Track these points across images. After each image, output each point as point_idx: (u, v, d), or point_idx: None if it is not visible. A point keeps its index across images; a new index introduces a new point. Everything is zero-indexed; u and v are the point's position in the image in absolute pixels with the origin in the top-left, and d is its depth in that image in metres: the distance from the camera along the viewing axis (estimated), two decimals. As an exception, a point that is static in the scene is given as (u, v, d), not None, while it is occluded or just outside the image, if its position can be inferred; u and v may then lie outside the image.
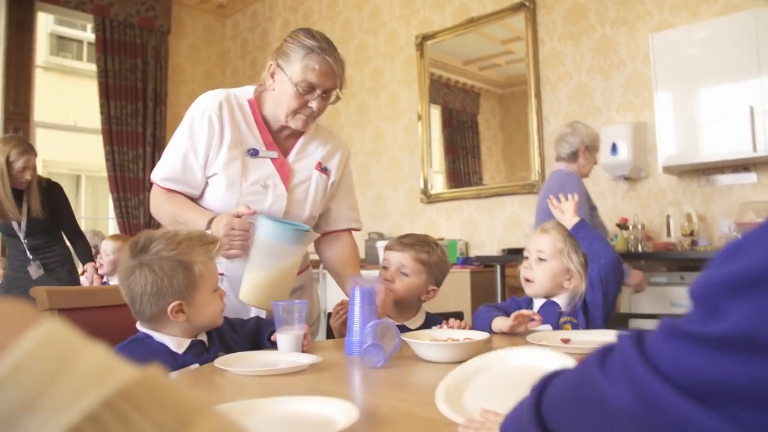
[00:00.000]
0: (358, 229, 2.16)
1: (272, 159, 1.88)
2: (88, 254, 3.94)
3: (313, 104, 1.79)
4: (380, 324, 1.43)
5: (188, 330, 1.48)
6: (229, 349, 1.56)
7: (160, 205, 1.88)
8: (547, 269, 1.93)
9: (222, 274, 1.81)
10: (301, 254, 1.78)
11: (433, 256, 2.00)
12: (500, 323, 1.79)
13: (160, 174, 1.87)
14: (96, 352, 0.31)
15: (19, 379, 0.28)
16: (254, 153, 1.85)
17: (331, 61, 1.77)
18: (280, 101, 1.82)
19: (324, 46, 1.78)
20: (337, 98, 1.87)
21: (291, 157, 1.92)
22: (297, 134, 1.95)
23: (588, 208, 3.29)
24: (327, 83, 1.79)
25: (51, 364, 0.29)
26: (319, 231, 2.04)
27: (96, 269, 3.78)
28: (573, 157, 3.47)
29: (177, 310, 1.42)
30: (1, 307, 0.32)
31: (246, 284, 1.72)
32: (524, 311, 1.79)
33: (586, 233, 1.95)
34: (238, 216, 1.68)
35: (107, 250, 3.73)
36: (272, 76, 1.83)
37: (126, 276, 1.43)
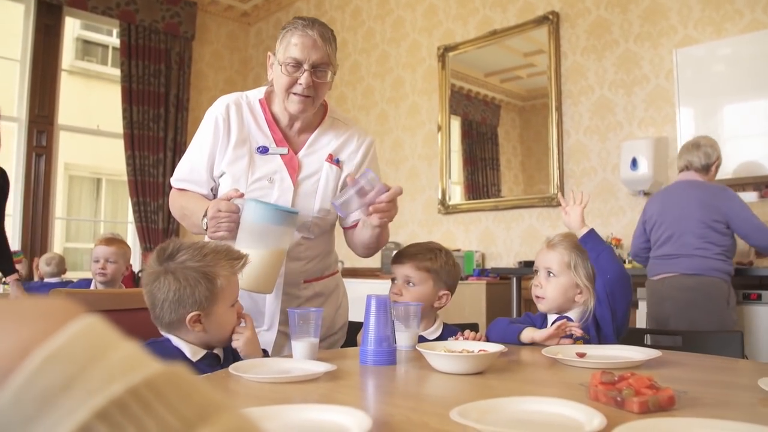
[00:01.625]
0: None
1: (282, 155, 1.89)
2: (8, 262, 3.69)
3: (302, 80, 1.78)
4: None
5: (203, 340, 1.51)
6: None
7: (173, 203, 1.99)
8: (557, 285, 1.90)
9: None
10: (288, 237, 1.75)
11: (437, 262, 2.01)
12: (532, 333, 1.77)
13: (174, 176, 1.98)
14: (128, 346, 0.34)
15: (57, 364, 0.31)
16: (264, 150, 1.88)
17: (311, 33, 1.77)
18: (277, 88, 1.85)
19: (306, 23, 1.79)
20: (333, 74, 1.85)
21: (301, 151, 1.93)
22: (309, 129, 1.96)
23: None
24: (312, 56, 1.77)
25: (86, 352, 0.32)
26: (344, 225, 2.04)
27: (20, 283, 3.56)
28: (705, 169, 3.31)
29: (195, 320, 1.44)
30: (49, 303, 0.35)
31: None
32: (568, 323, 1.78)
33: (594, 245, 1.90)
34: (228, 199, 1.72)
35: (109, 257, 3.41)
36: (271, 67, 1.88)
37: (150, 280, 1.47)
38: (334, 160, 1.95)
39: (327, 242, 2.03)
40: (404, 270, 2.01)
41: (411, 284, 2.00)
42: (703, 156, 3.31)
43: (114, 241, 3.53)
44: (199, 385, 0.34)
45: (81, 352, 0.32)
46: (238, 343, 1.53)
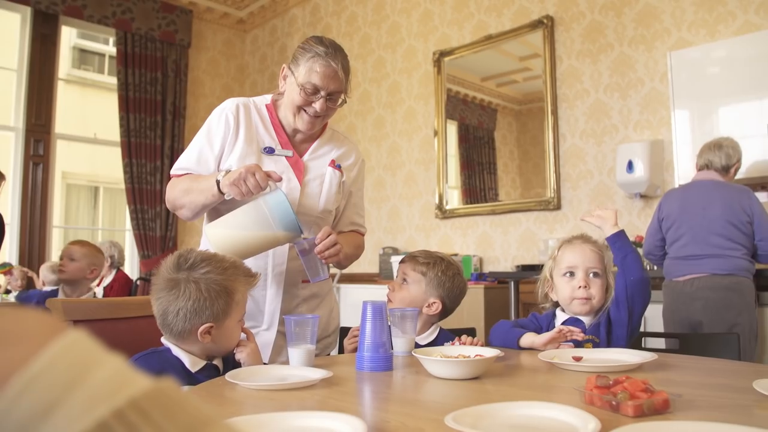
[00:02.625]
0: (361, 234, 2.25)
1: (287, 157, 1.97)
2: None
3: (317, 105, 1.88)
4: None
5: (207, 351, 1.52)
6: None
7: (174, 186, 1.94)
8: (601, 286, 1.87)
9: None
10: (274, 242, 1.78)
11: (434, 269, 2.03)
12: (532, 338, 1.76)
13: (176, 167, 1.98)
14: (113, 362, 0.33)
15: (38, 389, 0.30)
16: (270, 151, 1.96)
17: (334, 65, 1.84)
18: (288, 102, 1.93)
19: (330, 52, 1.85)
20: (344, 101, 1.94)
21: (306, 155, 2.02)
22: (311, 138, 2.04)
23: None
24: (330, 86, 1.87)
25: (68, 374, 0.31)
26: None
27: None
28: (725, 170, 3.30)
29: (206, 332, 1.46)
30: (31, 320, 0.34)
31: (216, 228, 1.76)
32: (570, 327, 1.76)
33: (623, 245, 1.87)
34: (267, 175, 1.73)
35: (73, 255, 3.48)
36: (284, 79, 1.96)
37: (166, 287, 1.46)
38: (336, 165, 2.05)
39: None
40: (404, 267, 2.09)
41: (405, 281, 2.06)
42: (725, 156, 3.29)
43: (84, 242, 3.61)
44: (187, 402, 0.33)
45: (64, 373, 0.31)
46: (241, 355, 1.55)
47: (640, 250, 3.80)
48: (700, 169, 3.36)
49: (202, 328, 1.45)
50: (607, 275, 1.89)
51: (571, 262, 1.91)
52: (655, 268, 3.49)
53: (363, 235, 2.25)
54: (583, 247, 1.91)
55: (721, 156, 3.30)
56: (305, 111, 1.91)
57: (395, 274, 2.20)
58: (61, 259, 3.50)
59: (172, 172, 1.99)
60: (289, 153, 1.97)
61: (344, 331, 2.27)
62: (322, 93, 1.87)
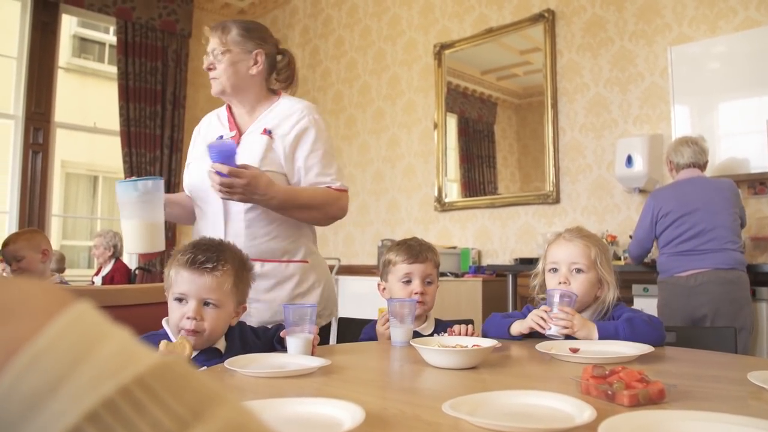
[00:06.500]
0: (335, 189, 2.11)
1: (232, 137, 2.13)
2: None
3: (205, 63, 2.13)
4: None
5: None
6: None
7: None
8: (586, 281, 1.84)
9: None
10: (152, 203, 1.88)
11: (437, 256, 2.08)
12: (518, 326, 1.78)
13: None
14: (120, 337, 0.32)
15: (44, 365, 0.29)
16: (219, 138, 2.15)
17: (209, 29, 2.12)
18: None
19: (216, 24, 2.13)
20: (236, 58, 2.09)
21: (246, 130, 2.14)
22: (254, 114, 2.17)
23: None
24: (209, 45, 2.10)
25: (75, 348, 0.30)
26: None
27: None
28: (705, 165, 3.39)
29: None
30: (38, 291, 0.33)
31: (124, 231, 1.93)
32: (538, 311, 1.75)
33: (615, 329, 1.68)
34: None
35: (17, 254, 3.22)
36: None
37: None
38: (267, 132, 2.09)
39: (275, 225, 2.04)
40: (425, 269, 2.01)
41: (429, 283, 2.02)
42: (705, 155, 3.36)
43: (13, 237, 3.36)
44: (194, 378, 0.32)
45: (70, 349, 0.30)
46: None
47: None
48: (685, 167, 3.38)
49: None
50: (599, 269, 1.86)
51: (554, 258, 1.91)
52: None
53: (340, 191, 2.10)
54: (568, 243, 1.90)
55: (703, 154, 3.36)
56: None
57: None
58: (10, 264, 3.22)
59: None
60: (234, 133, 2.14)
61: (343, 322, 2.28)
62: (208, 51, 2.09)
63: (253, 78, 2.12)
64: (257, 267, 1.95)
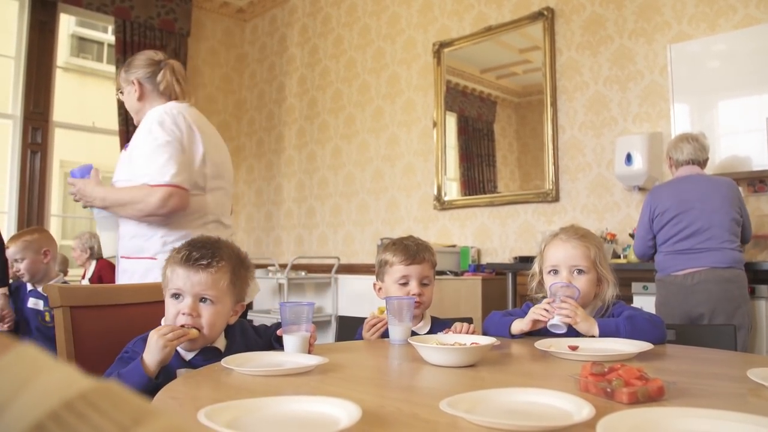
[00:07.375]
0: (156, 185, 2.17)
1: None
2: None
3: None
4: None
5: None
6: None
7: None
8: (587, 281, 1.82)
9: None
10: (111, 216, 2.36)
11: (434, 255, 2.06)
12: (520, 324, 1.77)
13: None
14: (61, 368, 0.35)
15: None
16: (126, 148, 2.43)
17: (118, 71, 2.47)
18: None
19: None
20: (129, 93, 2.48)
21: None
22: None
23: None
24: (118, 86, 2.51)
25: (18, 379, 0.33)
26: None
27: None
28: (705, 163, 3.37)
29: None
30: None
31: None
32: (540, 304, 1.75)
33: (616, 327, 1.68)
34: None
35: (16, 255, 3.15)
36: None
37: None
38: (126, 147, 2.44)
39: (133, 225, 2.28)
40: (422, 270, 2.00)
41: (425, 284, 2.01)
42: (705, 152, 3.35)
43: (13, 238, 3.30)
44: (134, 398, 0.35)
45: (11, 380, 0.33)
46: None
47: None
48: (684, 164, 3.37)
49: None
50: (599, 268, 1.85)
51: (554, 260, 1.88)
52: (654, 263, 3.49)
53: (157, 186, 2.15)
54: (566, 244, 1.87)
55: (703, 151, 3.34)
56: None
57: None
58: (12, 266, 3.15)
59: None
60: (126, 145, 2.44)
61: (343, 320, 2.27)
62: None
63: (138, 102, 2.45)
64: (123, 264, 2.28)
